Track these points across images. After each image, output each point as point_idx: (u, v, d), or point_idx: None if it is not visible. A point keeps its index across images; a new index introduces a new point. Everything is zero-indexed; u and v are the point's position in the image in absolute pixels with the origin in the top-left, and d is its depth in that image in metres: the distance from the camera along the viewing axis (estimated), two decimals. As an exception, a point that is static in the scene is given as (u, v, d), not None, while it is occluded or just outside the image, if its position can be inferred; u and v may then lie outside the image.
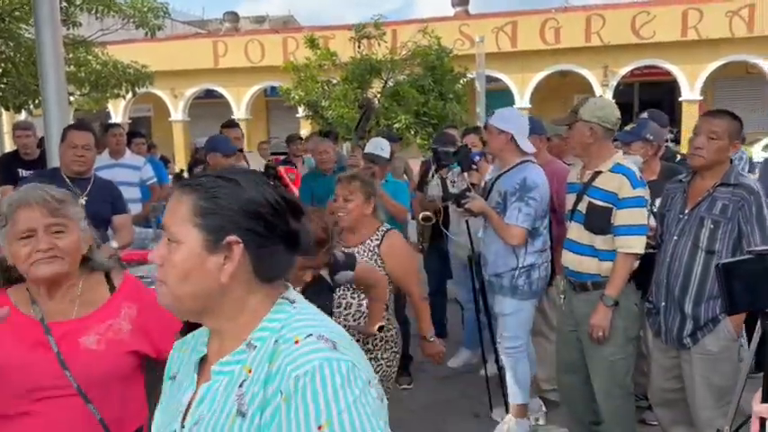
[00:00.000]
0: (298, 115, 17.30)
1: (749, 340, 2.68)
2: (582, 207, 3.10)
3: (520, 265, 3.49)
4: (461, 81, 11.24)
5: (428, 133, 10.11)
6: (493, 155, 3.74)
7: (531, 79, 19.51)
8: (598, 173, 3.06)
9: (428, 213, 5.14)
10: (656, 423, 3.65)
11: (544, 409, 3.92)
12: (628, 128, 3.62)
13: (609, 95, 17.45)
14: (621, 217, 2.97)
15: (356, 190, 2.88)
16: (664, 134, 3.86)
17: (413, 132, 10.13)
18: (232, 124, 5.59)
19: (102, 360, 1.63)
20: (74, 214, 1.68)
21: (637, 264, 3.03)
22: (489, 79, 14.39)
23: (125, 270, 1.84)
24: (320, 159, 5.21)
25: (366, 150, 4.61)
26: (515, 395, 3.64)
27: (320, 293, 2.33)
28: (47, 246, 1.59)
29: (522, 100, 19.38)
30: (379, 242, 2.89)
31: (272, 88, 19.53)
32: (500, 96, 16.86)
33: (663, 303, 2.98)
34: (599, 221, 3.03)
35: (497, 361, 3.96)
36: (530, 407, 3.84)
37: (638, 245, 2.97)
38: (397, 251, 2.92)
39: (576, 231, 3.14)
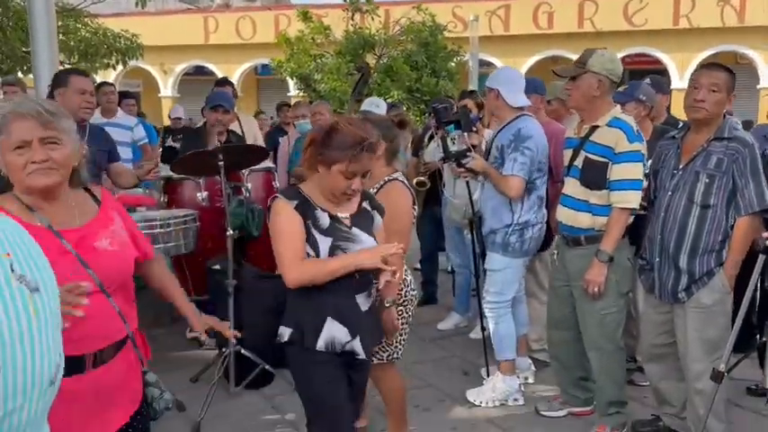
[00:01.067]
0: (289, 94, 17.20)
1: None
2: (578, 162, 3.10)
3: (515, 222, 3.50)
4: (454, 59, 11.20)
5: (420, 110, 10.09)
6: (494, 116, 3.76)
7: (523, 64, 19.47)
8: (595, 127, 3.05)
9: (422, 178, 5.14)
10: (645, 384, 3.70)
11: (533, 368, 3.96)
12: (621, 89, 3.62)
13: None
14: (617, 171, 2.97)
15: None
16: (656, 97, 3.87)
17: (405, 108, 10.09)
18: (225, 82, 5.53)
19: (117, 259, 1.74)
20: (67, 127, 1.70)
21: (631, 219, 3.03)
22: (481, 63, 14.34)
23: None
24: (315, 121, 5.15)
25: (362, 108, 4.59)
26: (500, 352, 3.67)
27: (367, 221, 2.29)
28: (42, 157, 1.62)
29: (514, 85, 19.34)
30: (379, 187, 2.79)
31: (263, 66, 19.36)
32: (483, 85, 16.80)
33: (657, 259, 3.00)
34: (595, 176, 3.03)
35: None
36: (519, 366, 3.88)
37: (633, 200, 2.97)
38: (393, 201, 2.68)
39: (571, 186, 3.14)
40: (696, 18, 17.72)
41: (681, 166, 2.93)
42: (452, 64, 11.17)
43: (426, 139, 5.40)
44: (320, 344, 2.17)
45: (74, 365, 1.64)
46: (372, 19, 10.95)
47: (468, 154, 3.52)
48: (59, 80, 3.54)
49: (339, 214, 2.22)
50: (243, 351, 3.61)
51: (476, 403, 3.55)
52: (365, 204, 2.32)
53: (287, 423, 3.44)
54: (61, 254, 1.63)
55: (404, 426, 3.13)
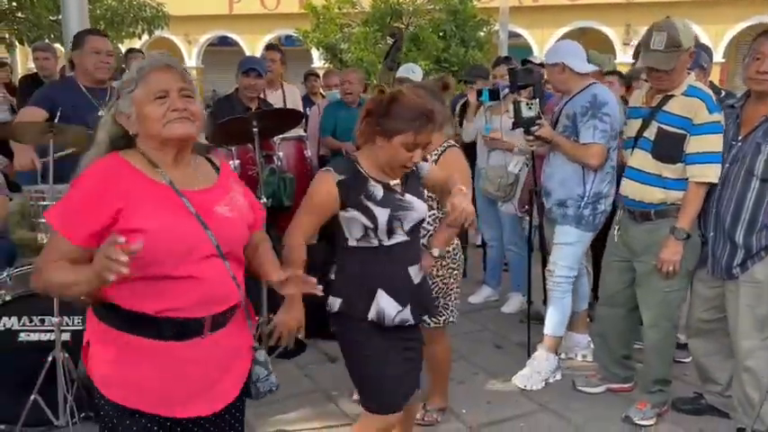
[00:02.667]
0: (313, 65, 17.05)
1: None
2: (649, 134, 2.93)
3: (587, 193, 3.40)
4: (484, 29, 10.96)
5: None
6: (560, 91, 3.61)
7: (552, 36, 19.08)
8: (669, 96, 2.88)
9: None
10: (685, 360, 3.62)
11: (592, 346, 3.84)
12: None
13: (629, 54, 17.06)
14: (696, 144, 2.80)
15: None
16: (710, 64, 3.71)
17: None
18: (273, 47, 5.40)
19: (235, 226, 1.71)
20: (194, 84, 1.70)
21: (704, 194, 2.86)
22: (510, 35, 14.08)
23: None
24: (345, 90, 5.03)
25: (397, 75, 4.47)
26: (553, 328, 3.56)
27: (415, 183, 2.23)
28: (182, 105, 1.61)
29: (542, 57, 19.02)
30: (437, 157, 2.76)
31: (287, 37, 19.21)
32: (520, 53, 16.47)
33: (711, 233, 2.88)
34: (669, 149, 2.86)
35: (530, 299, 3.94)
36: (578, 343, 3.83)
37: (713, 174, 2.81)
38: (456, 166, 2.71)
39: (640, 159, 2.97)
40: (733, -12, 17.14)
41: (740, 138, 2.79)
42: (482, 33, 10.93)
43: (459, 109, 5.28)
44: (371, 315, 2.14)
45: (194, 328, 1.64)
46: (402, -12, 10.74)
47: (537, 122, 3.39)
48: (76, 41, 3.47)
49: (391, 182, 2.15)
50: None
51: (525, 388, 3.46)
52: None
53: (320, 391, 3.42)
54: (182, 213, 1.61)
55: (446, 393, 3.15)
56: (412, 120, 2.01)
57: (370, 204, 2.08)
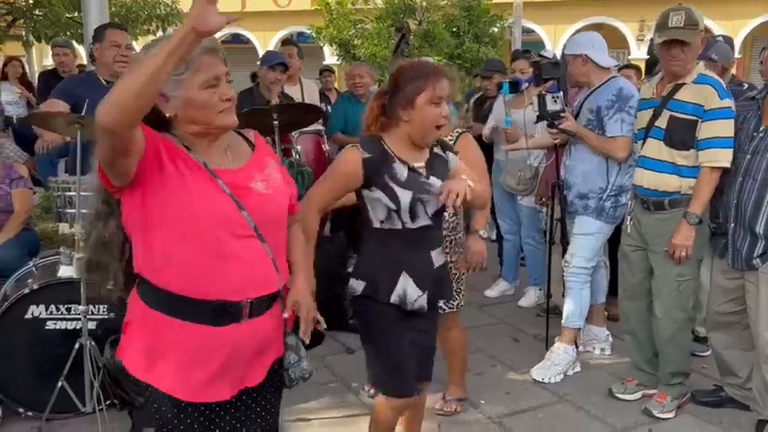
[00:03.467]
0: (325, 61, 17.07)
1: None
2: (661, 122, 2.95)
3: (610, 186, 3.41)
4: (497, 25, 10.93)
5: (461, 77, 9.89)
6: (579, 84, 3.60)
7: (565, 32, 18.98)
8: (679, 86, 2.90)
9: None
10: (704, 354, 3.61)
11: (611, 339, 3.85)
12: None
13: (644, 50, 16.94)
14: (707, 129, 2.83)
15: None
16: (730, 56, 3.69)
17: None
18: (289, 42, 5.44)
19: (271, 202, 1.67)
20: None
21: (718, 180, 2.88)
22: (523, 30, 14.02)
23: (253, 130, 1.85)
24: (354, 84, 5.04)
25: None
26: (571, 319, 3.57)
27: (441, 166, 2.24)
28: (232, 94, 1.60)
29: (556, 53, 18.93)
30: (453, 142, 2.79)
31: (299, 34, 19.24)
32: (533, 48, 16.40)
33: (731, 224, 2.87)
34: (682, 135, 2.88)
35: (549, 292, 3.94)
36: (597, 336, 3.83)
37: (724, 158, 2.83)
38: (470, 151, 2.79)
39: (653, 148, 2.99)
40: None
41: (762, 129, 2.79)
42: (495, 29, 10.90)
43: (472, 104, 5.29)
44: (394, 298, 2.15)
45: (232, 313, 1.61)
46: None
47: (561, 115, 3.39)
48: (96, 34, 3.51)
49: (416, 164, 2.16)
50: (283, 314, 3.61)
51: (542, 381, 3.47)
52: (437, 149, 2.25)
53: (339, 382, 3.45)
54: (219, 194, 1.58)
55: (464, 383, 3.17)
56: (424, 75, 2.06)
57: (393, 185, 2.09)
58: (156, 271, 1.58)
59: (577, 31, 18.73)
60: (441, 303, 2.56)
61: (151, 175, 1.52)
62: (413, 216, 2.12)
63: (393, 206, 2.10)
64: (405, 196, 2.09)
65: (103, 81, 3.44)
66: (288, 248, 1.79)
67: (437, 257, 2.24)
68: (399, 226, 2.13)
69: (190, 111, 1.58)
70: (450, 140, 2.80)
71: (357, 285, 2.19)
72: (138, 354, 1.64)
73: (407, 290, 2.16)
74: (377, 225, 2.15)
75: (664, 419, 3.07)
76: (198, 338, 1.60)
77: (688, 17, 2.83)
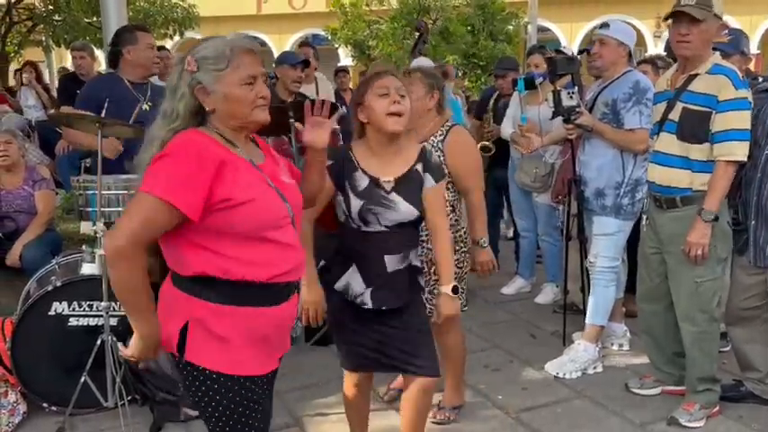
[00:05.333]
0: (340, 63, 17.14)
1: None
2: (674, 115, 2.83)
3: (626, 180, 3.39)
4: (512, 22, 10.91)
5: (477, 75, 9.89)
6: (602, 66, 3.50)
7: (581, 29, 18.89)
8: (693, 76, 2.79)
9: (487, 143, 5.04)
10: (724, 349, 3.54)
11: (629, 335, 3.83)
12: (725, 39, 3.25)
13: (661, 47, 16.78)
14: (722, 121, 2.69)
15: (416, 81, 2.70)
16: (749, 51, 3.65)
17: (461, 74, 9.90)
18: (305, 44, 5.52)
19: (297, 192, 1.82)
20: None
21: (734, 174, 2.75)
22: (538, 29, 13.97)
23: None
24: None
25: (411, 65, 4.51)
26: (595, 317, 3.55)
27: (412, 186, 2.29)
28: (267, 93, 1.70)
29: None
30: (443, 137, 2.76)
31: (315, 36, 19.35)
32: (549, 46, 16.36)
33: (752, 221, 2.83)
34: (694, 127, 2.75)
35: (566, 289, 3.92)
36: (615, 332, 3.81)
37: (740, 152, 2.68)
38: (462, 147, 2.76)
39: (665, 142, 2.87)
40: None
41: None
42: (510, 27, 10.88)
43: (492, 103, 5.29)
44: (338, 285, 2.28)
45: (288, 292, 1.77)
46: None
47: (577, 110, 3.38)
48: (126, 37, 3.50)
49: (382, 178, 2.22)
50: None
51: (557, 375, 3.45)
52: (418, 167, 2.26)
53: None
54: (267, 185, 1.70)
55: (461, 390, 3.10)
56: (367, 78, 2.24)
57: (350, 192, 2.22)
58: (228, 269, 1.64)
59: (593, 29, 18.70)
60: (428, 306, 2.58)
61: (216, 192, 1.61)
62: (364, 222, 2.22)
63: (345, 210, 2.23)
64: (356, 204, 2.21)
65: (127, 83, 3.47)
66: None
67: (393, 262, 2.24)
68: (354, 226, 2.24)
69: (228, 105, 1.67)
70: (441, 135, 2.76)
71: (321, 261, 2.35)
72: (209, 349, 1.67)
73: (351, 282, 2.26)
74: (341, 220, 2.29)
75: (692, 428, 2.93)
76: (262, 320, 1.71)
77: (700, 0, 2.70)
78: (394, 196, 2.20)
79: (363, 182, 2.22)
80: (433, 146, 2.72)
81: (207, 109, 1.68)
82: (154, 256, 1.70)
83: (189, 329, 1.66)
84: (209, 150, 1.61)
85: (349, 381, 2.49)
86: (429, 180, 2.27)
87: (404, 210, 2.21)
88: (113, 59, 3.55)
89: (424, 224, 2.36)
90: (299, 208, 1.81)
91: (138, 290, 1.58)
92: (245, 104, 1.66)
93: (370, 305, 2.25)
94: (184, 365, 1.68)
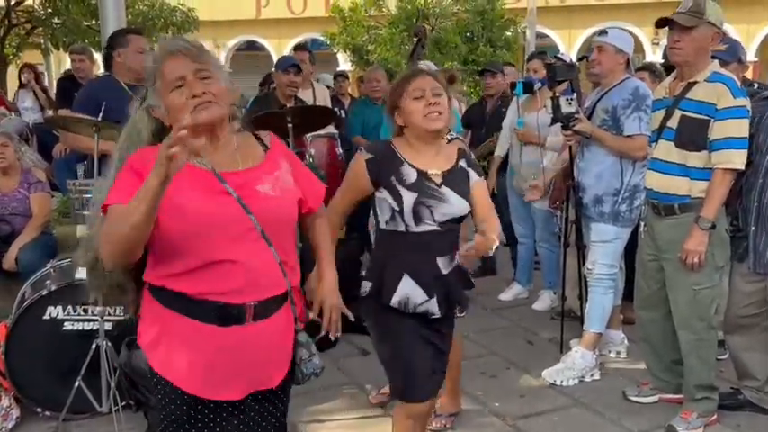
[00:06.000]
0: (338, 68, 17.16)
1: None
2: (672, 123, 2.84)
3: (624, 186, 3.39)
4: (511, 29, 10.94)
5: (475, 81, 9.90)
6: (600, 73, 3.50)
7: (579, 36, 18.95)
8: (692, 84, 2.80)
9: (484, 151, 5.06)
10: (721, 357, 3.52)
11: (626, 342, 3.82)
12: (722, 48, 3.23)
13: (659, 54, 16.86)
14: (720, 129, 2.70)
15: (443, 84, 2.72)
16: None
17: (460, 79, 9.92)
18: (301, 47, 5.51)
19: (278, 205, 1.67)
20: (214, 62, 1.67)
21: (732, 182, 2.76)
22: (536, 35, 14.02)
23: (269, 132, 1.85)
24: (371, 88, 5.13)
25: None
26: (593, 324, 3.54)
27: (461, 180, 2.22)
28: (200, 90, 1.58)
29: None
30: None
31: (314, 41, 19.38)
32: (548, 53, 16.41)
33: (752, 227, 2.83)
34: (692, 135, 2.76)
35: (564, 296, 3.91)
36: (612, 339, 3.80)
37: (738, 160, 2.69)
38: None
39: (664, 150, 2.88)
40: (765, -14, 16.83)
41: None
42: (508, 33, 10.91)
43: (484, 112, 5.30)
44: (394, 300, 2.14)
45: (235, 315, 1.62)
46: (427, -11, 10.78)
47: (576, 116, 3.38)
48: (117, 41, 3.49)
49: (430, 171, 2.15)
50: (310, 315, 3.62)
51: (555, 383, 3.44)
52: (462, 162, 2.24)
53: (353, 384, 3.45)
54: (223, 196, 1.60)
55: (458, 397, 3.08)
56: (401, 80, 2.21)
57: (398, 186, 2.11)
58: (164, 275, 1.61)
59: (591, 36, 18.76)
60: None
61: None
62: (416, 219, 2.10)
63: (396, 206, 2.11)
64: (408, 198, 2.10)
65: (123, 84, 3.46)
66: (313, 241, 1.86)
67: (445, 264, 2.17)
68: (403, 228, 2.13)
69: (172, 115, 1.61)
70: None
71: (365, 286, 2.21)
72: (153, 346, 1.67)
73: (409, 293, 2.14)
74: (383, 226, 2.18)
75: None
76: (204, 336, 1.62)
77: (695, 4, 2.72)
78: (445, 189, 2.13)
79: (412, 175, 2.13)
80: None
81: (167, 125, 1.63)
82: (132, 283, 1.71)
83: (155, 333, 1.67)
84: (145, 160, 1.56)
85: (412, 413, 2.25)
86: (474, 175, 2.24)
87: (456, 203, 2.14)
88: (107, 62, 3.56)
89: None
90: (281, 223, 1.69)
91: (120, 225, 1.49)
92: (178, 110, 1.57)
93: (438, 313, 2.16)
94: (149, 369, 1.68)
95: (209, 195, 1.59)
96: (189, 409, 1.67)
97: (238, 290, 1.60)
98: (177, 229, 1.56)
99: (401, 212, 2.11)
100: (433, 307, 2.17)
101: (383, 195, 2.14)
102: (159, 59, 1.63)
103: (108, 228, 1.52)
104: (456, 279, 2.24)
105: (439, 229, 2.13)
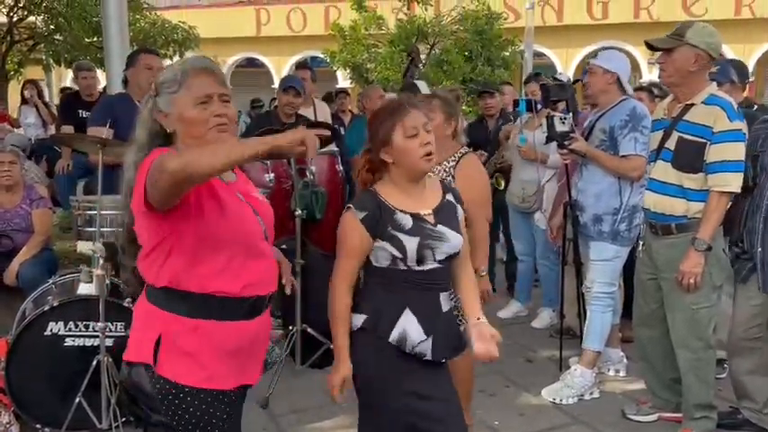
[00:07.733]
0: (337, 85, 17.28)
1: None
2: (670, 144, 2.88)
3: (623, 206, 3.41)
4: (509, 49, 11.05)
5: (474, 99, 9.98)
6: (591, 95, 3.57)
7: (576, 55, 19.12)
8: (690, 106, 2.84)
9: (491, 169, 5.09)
10: (720, 376, 3.53)
11: (625, 360, 3.83)
12: (714, 69, 3.32)
13: (655, 74, 16.99)
14: (716, 152, 2.73)
15: (436, 108, 2.72)
16: (745, 78, 3.70)
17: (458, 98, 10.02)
18: (303, 65, 5.57)
19: (269, 210, 1.86)
20: (230, 90, 1.76)
21: (728, 205, 2.81)
22: (534, 54, 14.15)
23: None
24: (372, 107, 5.17)
25: (404, 88, 4.58)
26: (592, 342, 3.55)
27: (451, 215, 2.17)
28: (222, 111, 1.68)
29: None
30: (455, 163, 2.77)
31: (313, 58, 19.52)
32: (545, 72, 16.56)
33: (758, 249, 2.85)
34: (689, 158, 2.80)
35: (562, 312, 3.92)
36: (611, 357, 3.80)
37: (734, 183, 2.73)
38: (473, 174, 2.78)
39: (661, 170, 2.92)
40: (759, 7, 17.05)
41: None
42: (507, 53, 11.02)
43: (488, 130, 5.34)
44: (394, 334, 2.01)
45: (260, 306, 1.78)
46: (426, 9, 10.88)
47: (571, 135, 3.42)
48: (130, 60, 3.65)
49: (421, 212, 2.06)
50: (309, 330, 3.64)
51: (554, 401, 3.44)
52: (448, 196, 2.17)
53: (352, 400, 3.42)
54: (240, 203, 1.74)
55: (468, 411, 3.01)
56: (391, 113, 2.04)
57: (398, 234, 2.01)
58: (203, 281, 1.66)
59: (588, 55, 18.95)
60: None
61: (190, 202, 1.62)
62: (420, 261, 2.02)
63: (399, 254, 2.01)
64: (411, 243, 2.00)
65: (137, 102, 3.52)
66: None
67: (445, 300, 2.09)
68: (404, 267, 2.03)
69: (184, 126, 1.69)
70: (453, 160, 2.77)
71: (357, 319, 2.05)
72: (180, 363, 1.69)
73: (408, 329, 2.01)
74: (378, 265, 2.05)
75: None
76: (234, 333, 1.73)
77: (678, 28, 2.82)
78: (441, 228, 2.06)
79: (408, 221, 2.03)
80: (445, 171, 2.74)
81: (168, 131, 1.71)
82: (131, 271, 1.78)
83: (161, 343, 1.68)
84: None
85: None
86: (459, 210, 2.19)
87: (453, 239, 2.07)
88: (125, 80, 3.72)
89: None
90: (271, 224, 1.84)
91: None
92: (199, 124, 1.66)
93: (429, 355, 2.03)
94: (157, 378, 1.68)
95: (236, 205, 1.73)
96: (215, 403, 1.72)
97: (264, 282, 1.77)
98: (223, 240, 1.67)
99: (404, 258, 2.01)
100: (427, 347, 2.03)
101: (381, 245, 2.02)
102: (189, 72, 1.68)
103: (193, 155, 1.49)
104: (453, 322, 2.18)
105: (440, 266, 2.07)
